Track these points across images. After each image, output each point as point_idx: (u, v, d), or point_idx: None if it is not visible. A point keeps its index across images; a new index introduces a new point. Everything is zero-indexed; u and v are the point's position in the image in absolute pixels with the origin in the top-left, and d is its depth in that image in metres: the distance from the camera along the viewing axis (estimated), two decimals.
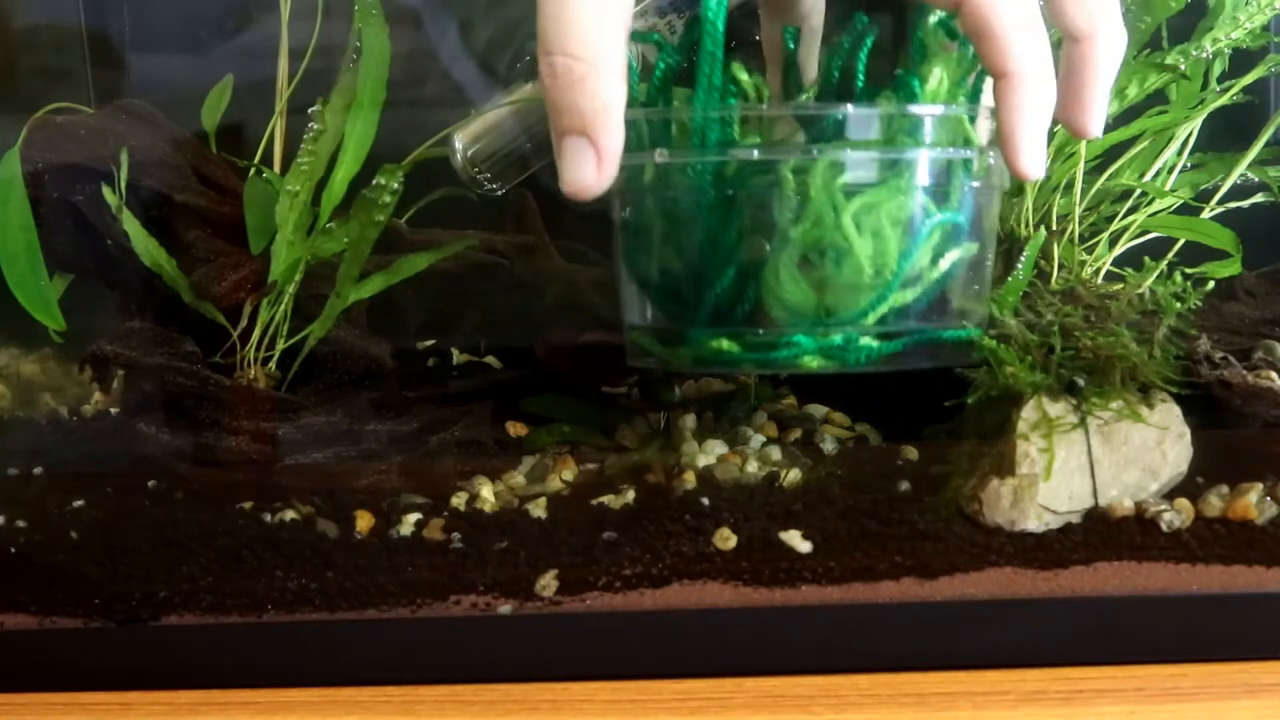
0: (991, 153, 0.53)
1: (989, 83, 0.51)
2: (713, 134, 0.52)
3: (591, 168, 0.48)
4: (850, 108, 0.52)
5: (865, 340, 0.53)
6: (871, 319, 0.53)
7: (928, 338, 0.54)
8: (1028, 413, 0.58)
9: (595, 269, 0.75)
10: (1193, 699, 0.54)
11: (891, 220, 0.52)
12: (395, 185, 0.66)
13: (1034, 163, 0.49)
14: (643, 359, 0.57)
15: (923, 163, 0.52)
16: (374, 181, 0.66)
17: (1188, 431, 0.59)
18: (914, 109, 0.52)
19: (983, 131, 0.53)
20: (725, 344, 0.54)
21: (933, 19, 0.53)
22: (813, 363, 0.54)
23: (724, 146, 0.52)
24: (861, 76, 0.55)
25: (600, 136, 0.47)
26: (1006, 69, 0.48)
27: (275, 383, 0.68)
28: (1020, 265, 0.64)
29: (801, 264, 0.53)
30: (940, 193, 0.53)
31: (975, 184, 0.53)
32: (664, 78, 0.55)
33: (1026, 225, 0.67)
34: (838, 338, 0.53)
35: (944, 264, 0.53)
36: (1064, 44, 0.51)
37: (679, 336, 0.56)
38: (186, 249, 0.67)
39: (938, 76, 0.52)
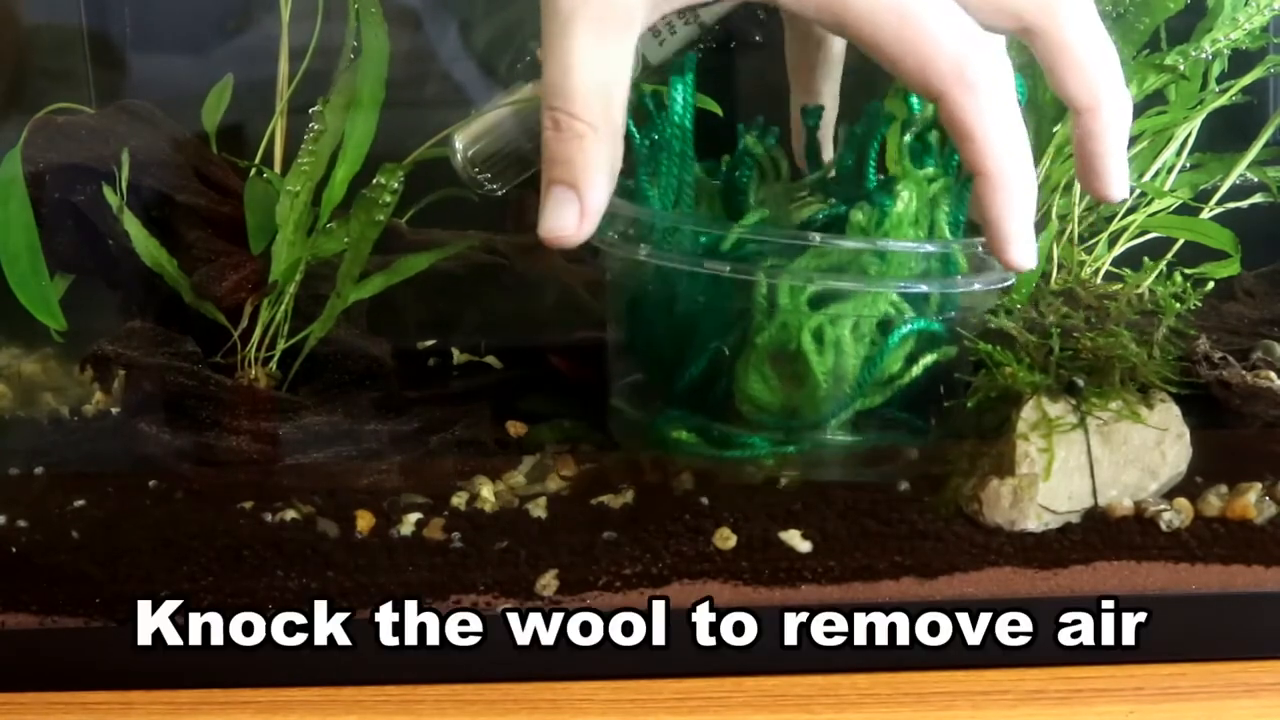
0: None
1: None
2: (684, 239, 0.54)
3: (573, 218, 0.48)
4: (818, 237, 0.53)
5: (829, 438, 0.56)
6: (834, 424, 0.55)
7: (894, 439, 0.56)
8: (1027, 413, 0.58)
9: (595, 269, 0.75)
10: (1191, 698, 0.54)
11: (857, 334, 0.53)
12: (395, 185, 0.65)
13: (1023, 255, 0.48)
14: (621, 433, 0.60)
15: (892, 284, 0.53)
16: (374, 181, 0.66)
17: (1187, 431, 0.60)
18: (882, 244, 0.53)
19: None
20: (684, 435, 0.57)
21: (906, 138, 0.54)
22: (768, 462, 0.56)
23: (708, 255, 0.53)
24: (873, 166, 0.56)
25: (588, 192, 0.48)
26: (986, 168, 0.48)
27: (276, 383, 0.68)
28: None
29: (772, 362, 0.53)
30: (915, 299, 0.54)
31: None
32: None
33: None
34: (792, 448, 0.56)
35: (917, 369, 0.55)
36: (1070, 116, 0.50)
37: (646, 420, 0.58)
38: (187, 249, 0.67)
39: (905, 199, 0.53)
